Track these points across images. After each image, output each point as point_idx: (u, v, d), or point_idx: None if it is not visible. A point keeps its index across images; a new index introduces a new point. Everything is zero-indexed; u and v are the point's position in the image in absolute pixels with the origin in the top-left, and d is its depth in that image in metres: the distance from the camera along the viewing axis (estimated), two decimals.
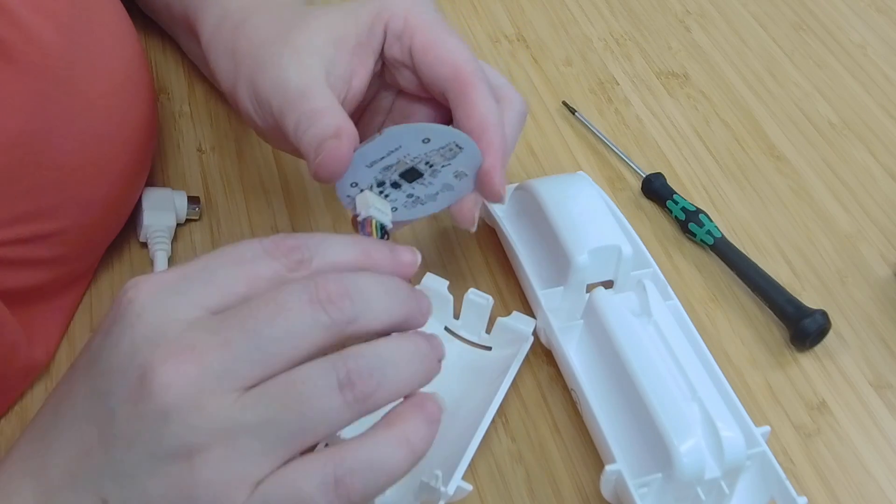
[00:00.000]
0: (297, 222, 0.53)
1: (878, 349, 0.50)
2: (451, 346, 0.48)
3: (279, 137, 0.42)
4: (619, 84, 0.64)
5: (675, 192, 0.55)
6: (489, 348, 0.48)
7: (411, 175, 0.40)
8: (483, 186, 0.40)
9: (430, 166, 0.40)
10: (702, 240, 0.53)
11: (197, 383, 0.29)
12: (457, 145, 0.39)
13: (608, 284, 0.47)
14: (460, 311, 0.48)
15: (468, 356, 0.48)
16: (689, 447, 0.39)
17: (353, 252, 0.33)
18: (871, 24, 0.70)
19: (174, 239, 0.52)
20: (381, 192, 0.40)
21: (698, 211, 0.54)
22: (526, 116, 0.44)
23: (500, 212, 0.51)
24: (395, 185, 0.40)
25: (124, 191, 0.48)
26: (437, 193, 0.41)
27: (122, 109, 0.46)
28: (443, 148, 0.39)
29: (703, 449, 0.39)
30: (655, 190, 0.56)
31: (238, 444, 0.29)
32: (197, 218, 0.53)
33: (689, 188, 0.57)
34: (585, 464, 0.44)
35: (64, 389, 0.33)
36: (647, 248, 0.49)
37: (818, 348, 0.50)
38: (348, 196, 0.40)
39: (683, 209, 0.54)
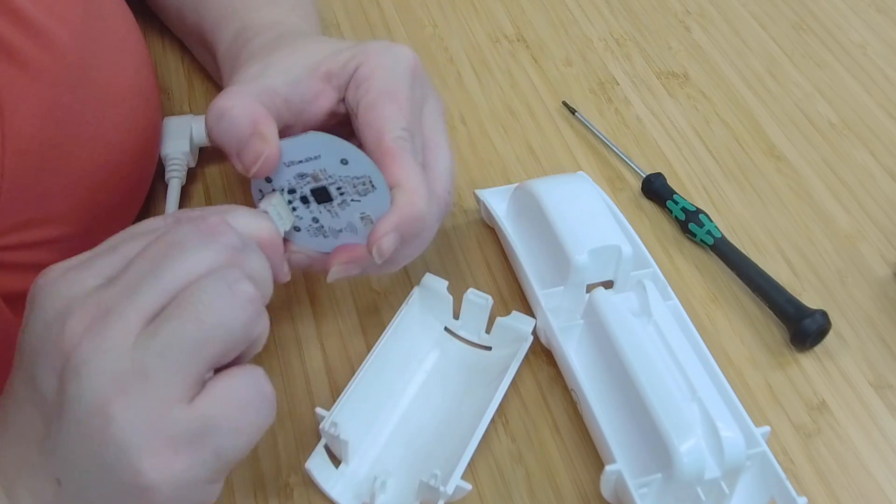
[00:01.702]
0: None
1: (878, 349, 0.50)
2: (451, 346, 0.48)
3: None
4: (619, 84, 0.64)
5: (675, 192, 0.55)
6: (489, 348, 0.48)
7: (321, 195, 0.40)
8: (369, 236, 0.39)
9: (341, 194, 0.39)
10: (702, 240, 0.53)
11: (101, 332, 0.30)
12: (371, 183, 0.39)
13: (608, 284, 0.47)
14: (460, 311, 0.48)
15: (468, 356, 0.48)
16: (690, 447, 0.39)
17: (259, 225, 0.35)
18: (871, 24, 0.70)
19: (196, 166, 0.54)
20: (289, 202, 0.40)
21: (698, 211, 0.54)
22: (453, 169, 0.43)
23: (500, 212, 0.51)
24: (304, 201, 0.40)
25: (130, 196, 0.49)
26: (340, 231, 0.41)
27: (132, 116, 0.47)
28: (357, 178, 0.39)
29: (704, 449, 0.39)
30: (655, 190, 0.56)
31: (149, 373, 0.30)
32: None
33: (689, 188, 0.57)
34: (585, 464, 0.44)
35: (6, 390, 0.33)
36: (647, 248, 0.49)
37: (818, 348, 0.50)
38: (260, 190, 0.40)
39: (683, 209, 0.54)
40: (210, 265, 0.32)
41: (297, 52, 0.43)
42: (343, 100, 0.42)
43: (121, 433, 0.29)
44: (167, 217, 0.34)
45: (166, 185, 0.53)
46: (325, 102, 0.42)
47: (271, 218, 0.38)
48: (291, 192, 0.40)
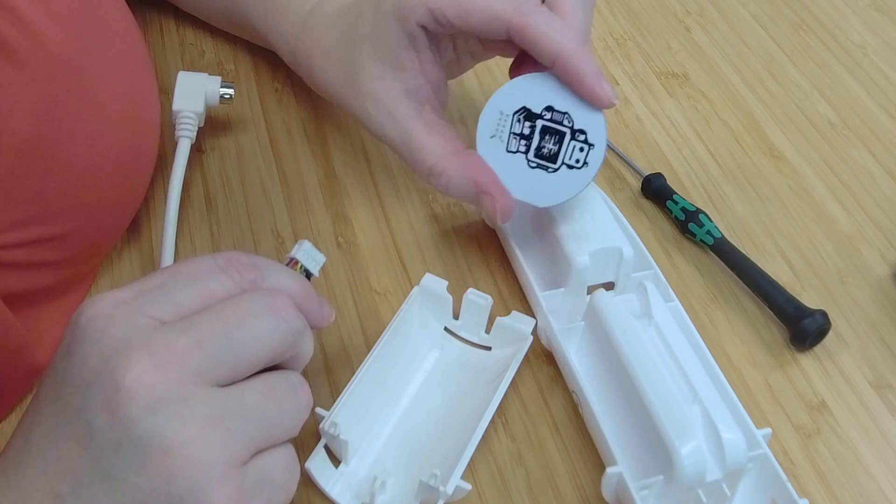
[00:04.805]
0: (297, 222, 0.53)
1: (878, 349, 0.50)
2: (451, 347, 0.48)
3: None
4: (618, 84, 0.64)
5: (675, 192, 0.55)
6: (489, 348, 0.48)
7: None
8: (588, 95, 0.43)
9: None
10: (701, 240, 0.53)
11: (178, 378, 0.31)
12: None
13: (609, 286, 0.47)
14: (460, 311, 0.48)
15: (467, 356, 0.48)
16: (691, 449, 0.39)
17: (296, 286, 0.37)
18: (871, 24, 0.70)
19: (204, 123, 0.54)
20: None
21: (698, 211, 0.54)
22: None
23: None
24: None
25: (129, 194, 0.48)
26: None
27: (130, 114, 0.46)
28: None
29: (705, 451, 0.39)
30: (655, 190, 0.56)
31: (231, 429, 0.32)
32: (230, 99, 0.54)
33: (689, 188, 0.57)
34: (586, 465, 0.44)
35: (31, 418, 0.33)
36: (647, 248, 0.49)
37: (818, 348, 0.50)
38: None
39: (683, 209, 0.54)
40: (277, 345, 0.34)
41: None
42: (432, 43, 0.46)
43: (198, 473, 0.31)
44: (215, 258, 0.36)
45: (166, 185, 0.53)
46: (430, 66, 0.47)
47: (302, 271, 0.40)
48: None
